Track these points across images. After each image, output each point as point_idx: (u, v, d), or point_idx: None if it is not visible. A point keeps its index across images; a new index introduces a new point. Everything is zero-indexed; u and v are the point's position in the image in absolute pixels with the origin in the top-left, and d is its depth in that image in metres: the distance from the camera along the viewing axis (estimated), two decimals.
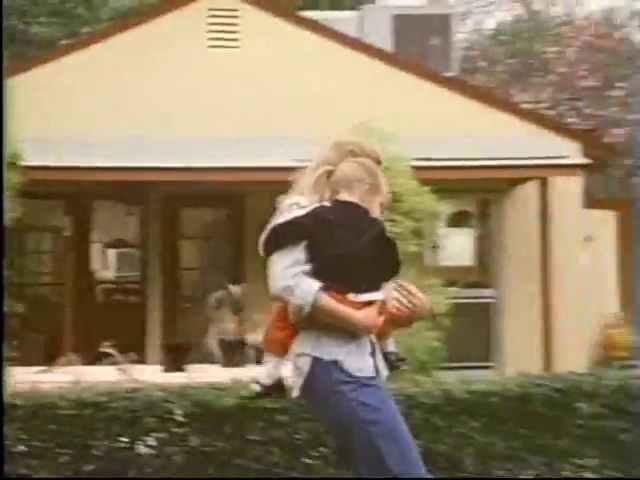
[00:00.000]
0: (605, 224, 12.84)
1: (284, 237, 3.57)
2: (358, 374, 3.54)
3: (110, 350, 7.92)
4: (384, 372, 3.71)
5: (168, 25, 11.18)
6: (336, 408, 3.55)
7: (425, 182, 8.07)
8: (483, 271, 11.60)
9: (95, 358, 8.58)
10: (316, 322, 3.54)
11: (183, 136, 10.53)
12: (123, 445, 5.32)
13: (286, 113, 10.79)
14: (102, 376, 7.13)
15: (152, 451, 5.31)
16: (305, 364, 3.58)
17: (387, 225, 8.19)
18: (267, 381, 3.73)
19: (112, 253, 14.08)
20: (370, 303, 3.57)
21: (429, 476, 3.58)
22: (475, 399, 5.57)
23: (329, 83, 10.94)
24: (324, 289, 3.49)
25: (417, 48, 12.64)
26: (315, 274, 3.52)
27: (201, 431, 5.32)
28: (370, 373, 3.57)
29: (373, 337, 3.67)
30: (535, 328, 10.63)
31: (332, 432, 3.77)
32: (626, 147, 14.19)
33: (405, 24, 12.77)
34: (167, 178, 10.29)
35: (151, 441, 5.32)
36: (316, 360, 3.56)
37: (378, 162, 3.82)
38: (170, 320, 11.37)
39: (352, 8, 15.59)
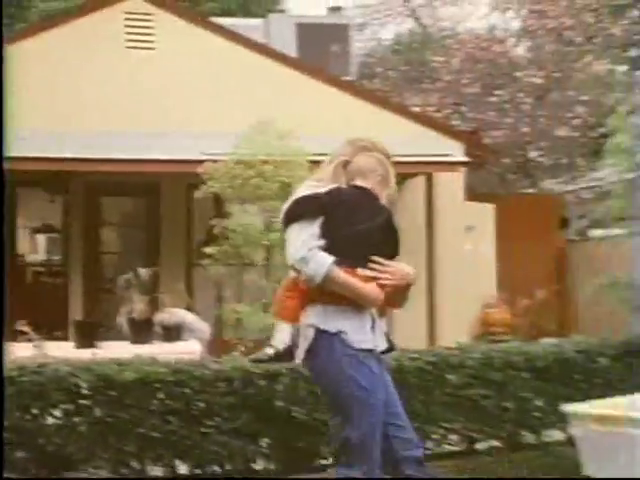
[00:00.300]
0: (485, 215, 12.97)
1: (305, 209, 3.59)
2: (359, 346, 3.53)
3: (25, 328, 7.65)
4: (382, 346, 3.69)
5: (89, 25, 10.91)
6: (335, 377, 3.56)
7: None
8: None
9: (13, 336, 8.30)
10: (324, 296, 3.52)
11: (103, 129, 10.29)
12: (31, 416, 5.12)
13: (197, 111, 10.64)
14: (19, 352, 6.89)
15: (59, 422, 5.13)
16: (310, 334, 3.56)
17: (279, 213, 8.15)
18: (280, 346, 3.69)
19: (41, 238, 13.87)
20: (374, 279, 3.55)
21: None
22: None
23: (237, 84, 10.84)
24: (337, 263, 3.47)
25: (319, 54, 12.59)
26: (329, 249, 3.51)
27: (104, 403, 5.15)
28: (370, 346, 3.57)
29: (374, 312, 3.65)
30: (421, 308, 10.68)
31: (329, 397, 3.78)
32: (503, 147, 14.38)
33: (308, 32, 12.71)
34: (85, 169, 10.07)
35: (58, 412, 5.13)
36: (320, 331, 3.55)
37: (388, 157, 3.87)
38: (91, 300, 11.22)
39: (261, 16, 15.45)
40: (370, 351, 3.57)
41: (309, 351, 3.59)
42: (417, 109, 13.96)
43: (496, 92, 14.92)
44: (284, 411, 5.35)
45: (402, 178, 11.25)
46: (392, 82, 16.60)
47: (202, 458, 5.30)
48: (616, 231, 9.61)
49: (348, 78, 12.64)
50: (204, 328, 8.46)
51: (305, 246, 3.51)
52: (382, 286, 3.58)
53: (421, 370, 5.66)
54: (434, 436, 5.78)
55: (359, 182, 3.68)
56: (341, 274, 3.49)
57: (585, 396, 5.33)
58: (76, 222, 11.37)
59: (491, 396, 5.78)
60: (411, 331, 10.58)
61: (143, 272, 8.05)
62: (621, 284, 7.80)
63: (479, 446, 5.90)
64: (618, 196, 7.99)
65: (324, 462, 5.57)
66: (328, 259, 3.49)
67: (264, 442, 5.46)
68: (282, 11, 19.13)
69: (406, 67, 17.03)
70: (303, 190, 3.70)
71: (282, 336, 3.69)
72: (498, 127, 14.62)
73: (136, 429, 5.14)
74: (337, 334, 3.52)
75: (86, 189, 11.30)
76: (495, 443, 5.90)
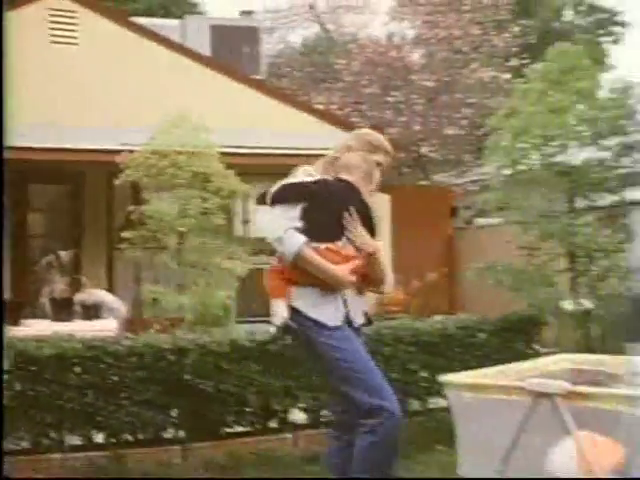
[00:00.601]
0: (381, 205, 13.06)
1: (289, 194, 3.60)
2: (327, 322, 3.52)
3: None
4: (358, 320, 3.69)
5: (15, 20, 10.55)
6: (313, 349, 3.58)
7: (231, 166, 7.92)
8: None
9: None
10: (303, 277, 3.51)
11: (31, 121, 9.98)
12: None
13: (117, 104, 10.43)
14: None
15: None
16: (288, 312, 3.55)
17: (198, 202, 8.08)
18: (278, 322, 3.62)
19: None
20: (350, 257, 3.55)
21: (394, 396, 3.59)
22: (256, 346, 5.50)
23: (155, 80, 10.66)
24: (317, 240, 3.49)
25: (231, 54, 12.48)
26: (308, 231, 3.51)
27: (25, 378, 5.02)
28: (338, 322, 3.55)
29: (347, 292, 3.61)
30: None
31: (316, 368, 3.82)
32: (399, 143, 14.51)
33: (221, 33, 12.57)
34: (14, 156, 9.76)
35: None
36: (295, 310, 3.54)
37: (388, 154, 3.87)
38: (19, 281, 10.93)
39: (180, 17, 15.22)
40: (340, 327, 3.55)
41: (288, 328, 3.59)
42: (321, 107, 13.99)
43: (392, 93, 15.07)
44: (192, 384, 5.33)
45: None
46: (299, 82, 16.61)
47: (116, 428, 5.23)
48: (496, 220, 9.84)
49: (258, 77, 12.56)
50: (121, 307, 8.35)
51: (282, 227, 3.52)
52: (354, 270, 3.57)
53: None
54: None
55: (344, 176, 3.70)
56: (313, 255, 3.49)
57: (465, 367, 5.44)
58: (6, 207, 11.05)
59: (381, 368, 5.81)
60: None
61: (64, 254, 7.88)
62: (498, 267, 7.99)
63: None
64: (497, 189, 8.17)
65: (229, 430, 5.57)
66: (301, 239, 3.48)
67: (174, 412, 5.42)
68: (199, 13, 18.90)
69: (312, 68, 17.06)
70: (294, 178, 3.71)
71: (279, 311, 3.61)
72: (394, 125, 14.76)
73: (55, 402, 5.04)
74: (308, 312, 3.52)
75: (14, 177, 10.98)
76: None
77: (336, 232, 3.58)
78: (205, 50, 12.08)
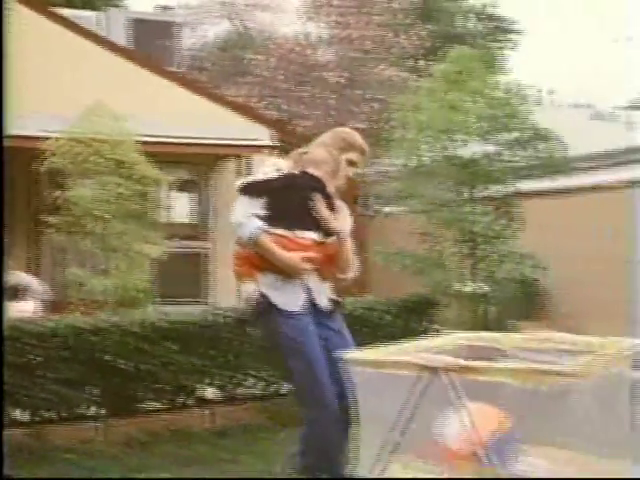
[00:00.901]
0: None
1: (253, 189, 3.62)
2: (284, 308, 3.49)
3: None
4: (323, 306, 3.63)
5: None
6: (269, 333, 3.62)
7: (150, 154, 7.85)
8: (201, 227, 11.50)
9: None
10: (264, 263, 3.51)
11: None
12: None
13: (36, 92, 10.12)
14: None
15: None
16: (253, 296, 3.55)
17: (120, 188, 7.95)
18: (246, 299, 3.62)
19: None
20: (307, 246, 3.54)
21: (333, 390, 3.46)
22: (174, 327, 5.49)
23: (75, 70, 10.38)
24: (274, 225, 3.50)
25: (149, 47, 12.29)
26: (270, 218, 3.52)
27: None
28: (296, 308, 3.52)
29: (310, 279, 3.57)
30: None
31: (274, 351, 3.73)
32: (311, 135, 14.55)
33: (140, 26, 12.37)
34: None
35: None
36: (259, 293, 3.54)
37: (363, 152, 3.91)
38: None
39: (101, 9, 14.89)
40: (297, 313, 3.52)
41: (253, 314, 3.60)
42: (239, 100, 13.92)
43: (306, 88, 15.13)
44: (112, 363, 5.29)
45: (220, 159, 11.25)
46: (218, 76, 16.46)
47: (39, 406, 5.17)
48: (401, 208, 10.02)
49: (175, 69, 12.39)
50: (40, 289, 8.17)
51: (243, 214, 3.54)
52: (308, 258, 3.54)
53: (232, 325, 5.68)
54: (244, 382, 5.87)
55: (311, 170, 3.68)
56: (267, 241, 3.49)
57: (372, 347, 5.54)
58: None
59: None
60: (229, 293, 10.61)
61: None
62: (405, 253, 8.16)
63: (282, 390, 5.97)
64: (401, 179, 8.33)
65: (148, 407, 5.55)
66: (256, 223, 3.50)
67: (95, 391, 5.37)
68: (119, 6, 18.49)
69: (229, 63, 16.94)
70: (264, 171, 3.73)
71: (247, 289, 3.60)
72: (307, 118, 14.82)
73: None
74: (268, 297, 3.51)
75: None
76: None
77: (295, 222, 3.58)
78: (124, 42, 11.84)
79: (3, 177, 5.77)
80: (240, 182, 3.72)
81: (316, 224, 3.61)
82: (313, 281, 3.62)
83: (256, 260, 3.55)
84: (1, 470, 3.99)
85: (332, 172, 3.75)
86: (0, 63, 6.34)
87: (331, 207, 3.69)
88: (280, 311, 3.51)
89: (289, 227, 3.56)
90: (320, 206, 3.61)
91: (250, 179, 3.78)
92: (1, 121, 5.51)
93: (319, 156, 3.74)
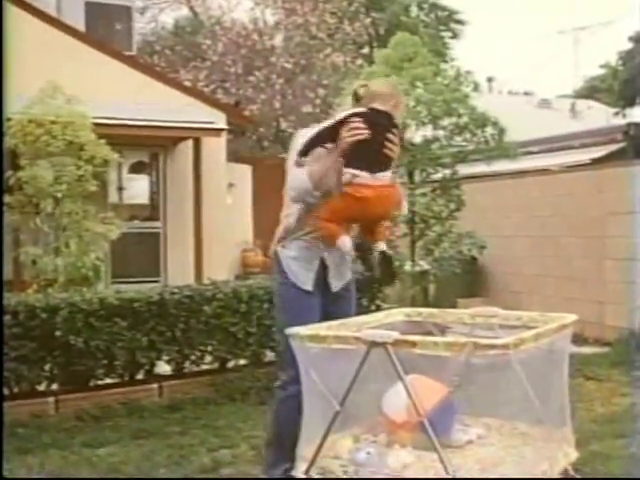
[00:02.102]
0: (244, 175, 13.05)
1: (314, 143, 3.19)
2: (300, 285, 3.30)
3: None
4: (336, 284, 3.41)
5: None
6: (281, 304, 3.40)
7: (104, 136, 7.67)
8: (155, 208, 11.33)
9: None
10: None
11: None
12: None
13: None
14: None
15: None
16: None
17: (72, 169, 7.75)
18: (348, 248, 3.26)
19: None
20: (379, 187, 3.17)
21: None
22: (124, 304, 5.39)
23: (30, 52, 10.05)
24: (351, 166, 3.11)
25: (104, 31, 11.99)
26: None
27: None
28: (308, 287, 3.30)
29: (328, 257, 3.34)
30: (190, 252, 10.58)
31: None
32: (260, 119, 14.47)
33: (95, 10, 12.04)
34: None
35: None
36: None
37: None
38: None
39: None
40: (309, 292, 3.30)
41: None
42: (188, 83, 13.71)
43: (254, 73, 14.98)
44: (64, 340, 5.17)
45: (175, 142, 11.08)
46: (169, 60, 16.20)
47: None
48: None
49: (129, 53, 12.12)
50: None
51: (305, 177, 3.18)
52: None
53: (180, 302, 5.63)
54: (192, 357, 5.81)
55: (377, 105, 3.21)
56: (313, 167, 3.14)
57: None
58: None
59: (239, 323, 5.84)
60: (182, 270, 10.50)
61: None
62: None
63: (229, 364, 5.99)
64: None
65: (99, 382, 5.46)
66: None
67: (47, 367, 5.26)
68: None
69: (181, 47, 16.67)
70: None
71: (347, 245, 3.22)
72: (256, 102, 14.69)
73: None
74: (288, 271, 3.33)
75: None
76: (242, 362, 5.99)
77: (374, 163, 3.18)
78: (79, 25, 11.50)
79: (2, 181, 5.60)
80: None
81: (390, 162, 3.26)
82: (332, 262, 3.39)
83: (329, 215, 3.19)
84: (1, 470, 3.88)
85: (394, 107, 3.28)
86: (0, 62, 6.13)
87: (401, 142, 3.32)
88: (292, 286, 3.32)
89: (370, 169, 3.17)
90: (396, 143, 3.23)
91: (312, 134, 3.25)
92: (1, 121, 5.33)
93: (386, 89, 3.33)
